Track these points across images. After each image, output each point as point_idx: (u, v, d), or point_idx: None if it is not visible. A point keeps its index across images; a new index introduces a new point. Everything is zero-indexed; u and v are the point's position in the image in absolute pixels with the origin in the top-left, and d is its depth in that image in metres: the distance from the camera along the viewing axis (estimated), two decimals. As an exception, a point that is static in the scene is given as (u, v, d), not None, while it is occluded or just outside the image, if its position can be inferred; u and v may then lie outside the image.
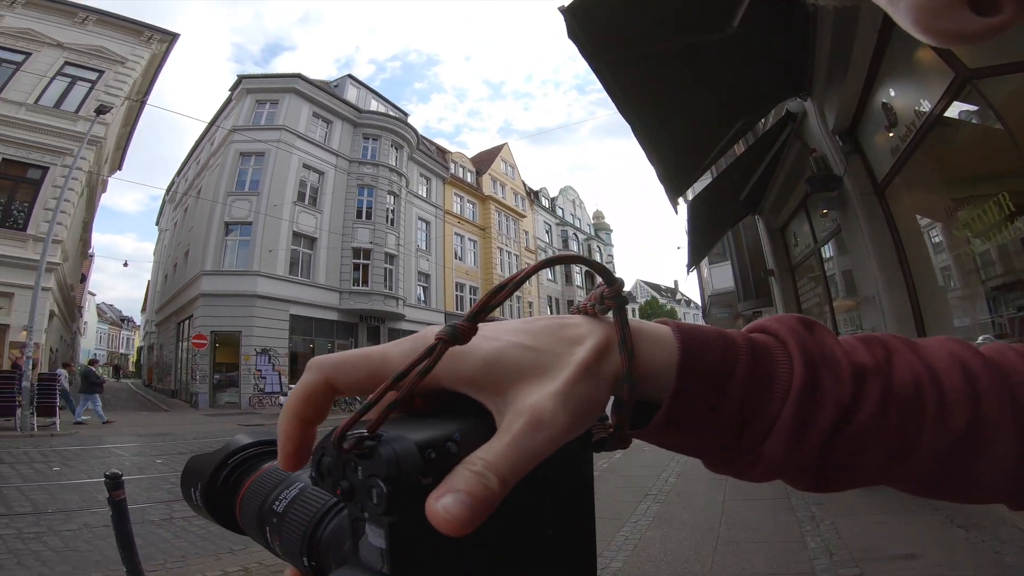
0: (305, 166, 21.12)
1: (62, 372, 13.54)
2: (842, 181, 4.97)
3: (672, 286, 73.42)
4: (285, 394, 16.28)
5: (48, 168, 14.09)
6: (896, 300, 4.44)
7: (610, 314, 0.27)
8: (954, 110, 3.72)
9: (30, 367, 9.96)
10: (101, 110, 13.46)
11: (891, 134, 4.42)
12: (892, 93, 4.37)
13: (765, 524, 3.96)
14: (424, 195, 27.30)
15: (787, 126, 5.94)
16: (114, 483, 2.21)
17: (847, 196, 4.96)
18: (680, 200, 6.31)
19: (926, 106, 3.87)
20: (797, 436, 0.27)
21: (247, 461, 0.34)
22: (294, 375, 18.60)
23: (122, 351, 59.15)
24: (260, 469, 0.33)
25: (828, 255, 6.62)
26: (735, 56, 3.74)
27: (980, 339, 3.93)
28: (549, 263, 0.27)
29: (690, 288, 72.90)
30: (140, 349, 40.16)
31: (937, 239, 4.35)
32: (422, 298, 26.03)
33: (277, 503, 0.30)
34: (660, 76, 3.32)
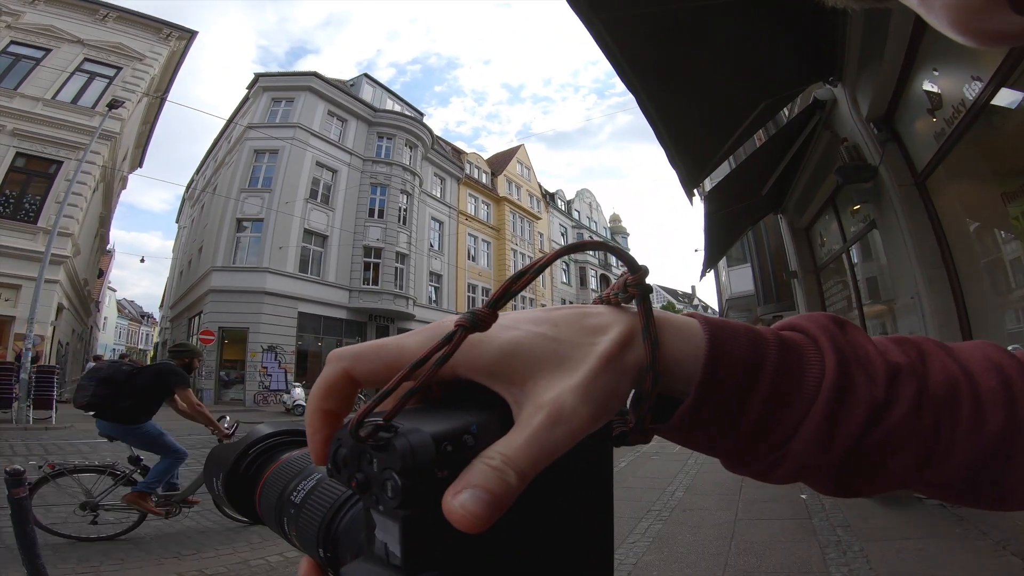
0: (319, 164, 21.12)
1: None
2: (877, 171, 4.51)
3: (689, 291, 72.42)
4: (289, 392, 16.15)
5: (62, 162, 14.19)
6: (939, 302, 3.98)
7: (634, 304, 0.26)
8: (1003, 97, 3.28)
9: (28, 359, 9.89)
10: (113, 104, 13.53)
11: (934, 119, 3.98)
12: (936, 72, 3.92)
13: (782, 550, 3.53)
14: (438, 195, 27.18)
15: (815, 114, 5.49)
16: (15, 480, 1.95)
17: (883, 187, 4.51)
18: (697, 195, 5.90)
19: (976, 86, 3.43)
20: (827, 434, 0.26)
21: (267, 451, 0.33)
22: (301, 374, 18.51)
23: (141, 346, 60.13)
24: (279, 459, 0.32)
25: (858, 255, 6.13)
26: (756, 30, 3.37)
27: (1011, 348, 3.47)
28: (571, 249, 0.26)
29: (707, 294, 71.92)
30: (157, 345, 40.81)
31: (986, 235, 3.89)
32: (433, 298, 25.85)
33: (295, 494, 0.29)
34: (668, 41, 2.95)
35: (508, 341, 0.24)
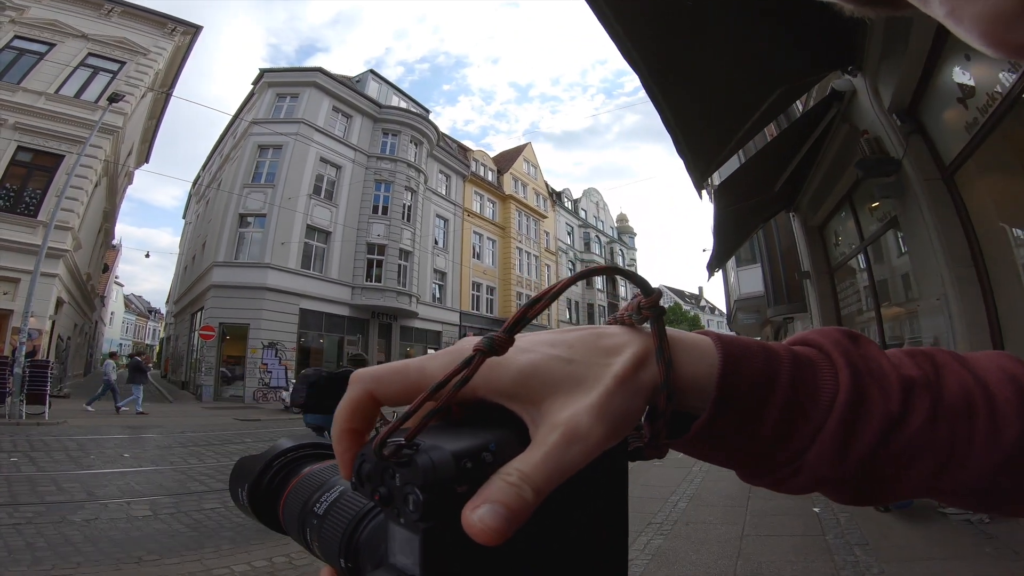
0: (322, 160, 20.94)
1: (110, 363, 13.62)
2: (900, 165, 4.23)
3: (696, 292, 71.86)
4: (287, 389, 15.97)
5: (64, 156, 14.11)
6: (968, 302, 3.70)
7: (648, 324, 0.27)
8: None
9: (23, 353, 9.77)
10: (114, 98, 13.40)
11: (965, 108, 3.69)
12: (968, 59, 3.63)
13: (793, 570, 3.27)
14: (443, 192, 26.97)
15: (832, 106, 5.20)
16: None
17: (907, 182, 4.22)
18: (706, 193, 5.61)
19: (1013, 75, 3.15)
20: (842, 447, 0.27)
21: (290, 464, 0.34)
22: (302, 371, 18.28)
23: (147, 342, 60.37)
24: (301, 472, 0.33)
25: (877, 253, 5.83)
26: (768, 13, 3.11)
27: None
28: (584, 275, 0.27)
29: (715, 295, 71.42)
30: (162, 341, 41.00)
31: (1020, 231, 3.60)
32: (437, 296, 25.63)
33: (318, 505, 0.30)
34: (675, 19, 2.69)
35: (526, 364, 0.24)
